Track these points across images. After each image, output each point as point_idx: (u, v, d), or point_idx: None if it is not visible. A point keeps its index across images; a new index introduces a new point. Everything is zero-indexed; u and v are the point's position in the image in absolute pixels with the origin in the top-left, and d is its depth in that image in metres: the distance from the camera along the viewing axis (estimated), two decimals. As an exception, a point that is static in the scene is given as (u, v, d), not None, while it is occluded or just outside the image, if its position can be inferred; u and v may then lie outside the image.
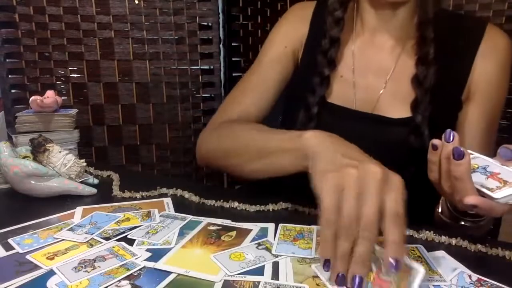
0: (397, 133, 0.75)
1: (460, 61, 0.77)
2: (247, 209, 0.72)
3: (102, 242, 0.59)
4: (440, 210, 0.68)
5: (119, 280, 0.50)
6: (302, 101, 0.82)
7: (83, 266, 0.53)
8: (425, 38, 0.75)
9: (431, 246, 0.58)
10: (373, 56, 0.81)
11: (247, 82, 0.88)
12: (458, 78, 0.77)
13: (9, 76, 1.46)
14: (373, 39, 0.81)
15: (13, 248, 0.58)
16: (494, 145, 0.81)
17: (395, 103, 0.77)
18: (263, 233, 0.62)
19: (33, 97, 0.98)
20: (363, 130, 0.76)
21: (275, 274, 0.52)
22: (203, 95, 1.67)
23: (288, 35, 0.88)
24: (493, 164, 0.55)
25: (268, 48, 0.89)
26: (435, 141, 0.55)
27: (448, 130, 0.54)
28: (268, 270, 0.52)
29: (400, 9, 0.77)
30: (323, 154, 0.55)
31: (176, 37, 1.58)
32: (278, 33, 0.89)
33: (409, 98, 0.76)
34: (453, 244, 0.60)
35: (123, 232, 0.62)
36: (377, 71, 0.80)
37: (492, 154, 0.78)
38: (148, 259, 0.55)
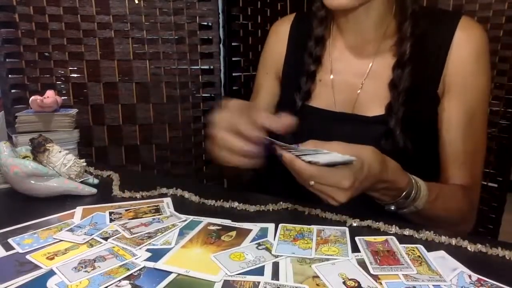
0: (373, 131, 0.77)
1: (435, 55, 0.77)
2: (247, 209, 0.72)
3: (102, 242, 0.59)
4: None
5: (119, 280, 0.50)
6: (288, 102, 0.85)
7: (83, 266, 0.53)
8: (402, 38, 0.76)
9: (431, 246, 0.58)
10: (349, 57, 0.83)
11: None
12: (433, 72, 0.77)
13: (9, 76, 1.45)
14: (348, 41, 0.83)
15: (13, 248, 0.58)
16: (483, 142, 0.81)
17: (373, 102, 0.79)
18: (263, 233, 0.62)
19: (33, 97, 0.98)
20: (343, 130, 0.78)
21: (275, 274, 0.52)
22: (203, 95, 1.66)
23: (268, 59, 0.95)
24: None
25: (257, 75, 0.98)
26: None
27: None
28: (268, 270, 0.52)
29: (371, 11, 0.77)
30: None
31: (176, 37, 1.58)
32: (262, 60, 0.97)
33: (385, 96, 0.77)
34: (453, 244, 0.60)
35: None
36: (354, 71, 0.82)
37: (479, 148, 0.79)
38: (148, 259, 0.55)
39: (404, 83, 0.75)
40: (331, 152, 0.55)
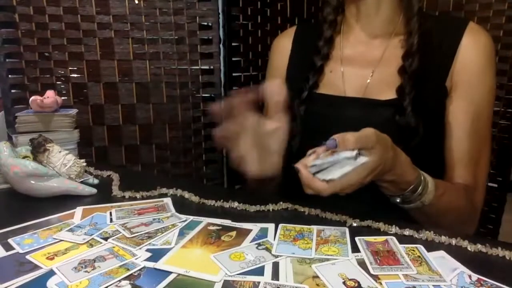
0: (385, 113, 0.79)
1: (443, 54, 0.80)
2: (247, 209, 0.72)
3: (102, 242, 0.59)
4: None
5: (119, 280, 0.50)
6: (297, 93, 0.87)
7: (83, 266, 0.53)
8: (410, 32, 0.80)
9: (431, 246, 0.58)
10: (360, 51, 0.86)
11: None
12: (441, 67, 0.80)
13: (9, 76, 1.45)
14: (360, 37, 0.87)
15: (13, 248, 0.58)
16: (488, 144, 0.82)
17: (382, 88, 0.81)
18: (263, 233, 0.62)
19: (33, 97, 0.98)
20: (354, 114, 0.81)
21: (275, 275, 0.52)
22: (203, 95, 1.66)
23: (273, 72, 0.97)
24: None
25: None
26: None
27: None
28: (268, 270, 0.52)
29: (382, 6, 0.82)
30: None
31: (176, 37, 1.58)
32: (268, 77, 0.99)
33: (395, 83, 0.80)
34: (453, 244, 0.60)
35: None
36: (364, 62, 0.85)
37: (481, 146, 0.80)
38: (148, 259, 0.55)
39: (414, 68, 0.78)
40: (341, 160, 0.57)
